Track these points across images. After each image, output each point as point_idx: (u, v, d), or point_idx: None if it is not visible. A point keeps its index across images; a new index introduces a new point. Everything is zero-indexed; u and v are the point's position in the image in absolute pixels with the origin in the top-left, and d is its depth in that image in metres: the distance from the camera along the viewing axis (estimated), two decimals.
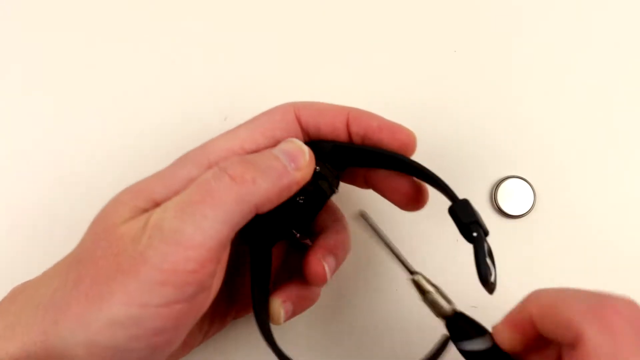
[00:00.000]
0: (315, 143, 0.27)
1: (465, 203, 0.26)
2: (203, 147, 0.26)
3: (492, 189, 0.36)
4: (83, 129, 0.37)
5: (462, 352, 0.22)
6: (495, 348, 0.22)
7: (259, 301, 0.27)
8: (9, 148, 0.37)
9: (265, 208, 0.24)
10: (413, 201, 0.30)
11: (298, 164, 0.25)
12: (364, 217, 0.26)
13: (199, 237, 0.22)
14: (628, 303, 0.21)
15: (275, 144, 0.26)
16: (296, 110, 0.27)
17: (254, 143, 0.26)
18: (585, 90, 0.37)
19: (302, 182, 0.25)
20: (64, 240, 0.35)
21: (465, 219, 0.26)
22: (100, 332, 0.22)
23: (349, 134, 0.27)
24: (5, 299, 0.26)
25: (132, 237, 0.23)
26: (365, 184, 0.30)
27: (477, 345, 0.22)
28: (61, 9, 0.39)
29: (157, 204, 0.24)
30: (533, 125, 0.37)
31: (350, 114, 0.27)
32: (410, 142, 0.28)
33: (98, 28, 0.39)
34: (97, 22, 0.39)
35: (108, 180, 0.36)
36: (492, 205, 0.36)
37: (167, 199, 0.24)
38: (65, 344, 0.22)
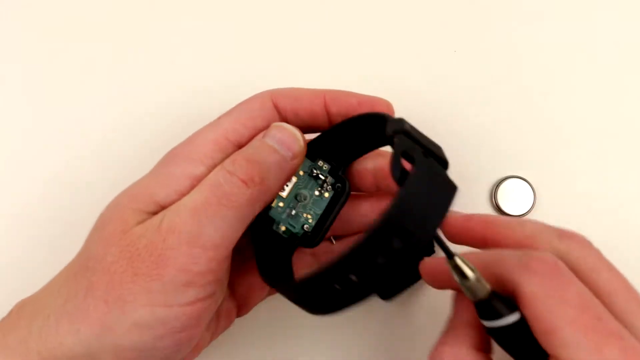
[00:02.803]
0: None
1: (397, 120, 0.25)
2: (190, 142, 0.27)
3: (492, 189, 0.36)
4: (81, 128, 0.37)
5: (493, 329, 0.22)
6: (523, 319, 0.21)
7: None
8: (7, 148, 0.37)
9: (271, 199, 0.26)
10: None
11: (294, 151, 0.26)
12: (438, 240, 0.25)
13: (218, 238, 0.23)
14: (546, 256, 0.22)
15: (256, 132, 0.27)
16: (273, 98, 0.28)
17: (237, 133, 0.27)
18: (585, 90, 0.37)
19: (297, 168, 0.27)
20: (61, 239, 0.35)
21: (390, 130, 0.24)
22: (127, 335, 0.22)
23: (329, 115, 0.28)
24: (10, 314, 0.25)
25: (146, 240, 0.23)
26: (375, 182, 0.30)
27: (508, 319, 0.22)
28: (60, 10, 0.39)
29: (161, 206, 0.25)
30: (533, 125, 0.37)
31: (326, 95, 0.28)
32: (390, 111, 0.29)
33: (96, 28, 0.39)
34: (96, 21, 0.39)
35: (107, 180, 0.36)
36: (492, 205, 0.36)
37: (170, 200, 0.25)
38: (90, 350, 0.23)
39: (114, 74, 0.38)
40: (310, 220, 0.28)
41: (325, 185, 0.28)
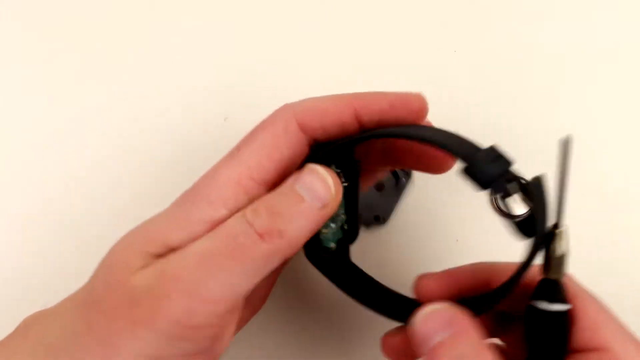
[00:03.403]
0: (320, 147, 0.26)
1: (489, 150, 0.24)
2: (211, 180, 0.24)
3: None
4: (82, 131, 0.37)
5: (543, 312, 0.23)
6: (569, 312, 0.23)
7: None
8: (8, 149, 0.37)
9: (295, 251, 0.23)
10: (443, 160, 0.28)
11: (324, 200, 0.23)
12: (565, 145, 0.23)
13: (219, 292, 0.22)
14: None
15: (283, 164, 0.24)
16: (298, 118, 0.25)
17: (263, 170, 0.24)
18: (585, 89, 0.38)
19: (329, 217, 0.24)
20: (67, 242, 0.35)
21: (485, 175, 0.23)
22: None
23: (360, 124, 0.26)
24: (18, 330, 0.25)
25: (146, 287, 0.22)
26: (384, 161, 0.29)
27: (562, 307, 0.22)
28: (61, 10, 0.39)
29: (171, 249, 0.23)
30: (533, 125, 0.37)
31: (355, 103, 0.25)
32: (424, 106, 0.26)
33: (97, 28, 0.39)
34: (97, 22, 0.39)
35: (109, 182, 0.36)
36: (492, 205, 0.36)
37: (183, 244, 0.23)
38: None
39: (114, 75, 0.38)
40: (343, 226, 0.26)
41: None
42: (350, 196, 0.26)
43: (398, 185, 0.36)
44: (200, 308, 0.21)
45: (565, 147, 0.22)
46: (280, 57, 0.38)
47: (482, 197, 0.36)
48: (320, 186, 0.23)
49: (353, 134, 0.25)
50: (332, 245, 0.26)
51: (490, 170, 0.23)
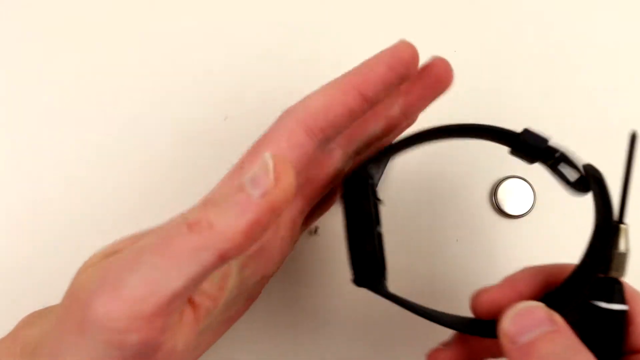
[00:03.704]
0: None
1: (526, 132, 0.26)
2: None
3: (492, 189, 0.36)
4: (82, 130, 0.37)
5: (603, 311, 0.22)
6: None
7: None
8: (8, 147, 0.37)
9: (239, 251, 0.20)
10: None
11: (263, 188, 0.20)
12: (632, 140, 0.24)
13: (142, 290, 0.19)
14: None
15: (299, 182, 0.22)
16: (303, 125, 0.23)
17: None
18: (585, 90, 0.37)
19: (278, 208, 0.20)
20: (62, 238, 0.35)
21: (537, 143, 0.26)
22: None
23: (367, 102, 0.24)
24: (13, 330, 0.25)
25: (80, 287, 0.20)
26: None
27: (621, 307, 0.22)
28: (61, 10, 0.39)
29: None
30: (533, 125, 0.37)
31: (356, 84, 0.24)
32: (414, 52, 0.25)
33: (97, 27, 0.39)
34: (97, 21, 0.39)
35: (108, 181, 0.36)
36: (492, 205, 0.36)
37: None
38: None
39: (114, 75, 0.38)
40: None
41: None
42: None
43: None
44: (121, 309, 0.19)
45: (632, 142, 0.23)
46: (279, 55, 0.38)
47: (482, 198, 0.36)
48: (259, 173, 0.20)
49: (364, 113, 0.25)
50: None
51: (537, 143, 0.26)
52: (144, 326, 0.19)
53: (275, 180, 0.20)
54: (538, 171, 0.37)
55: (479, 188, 0.36)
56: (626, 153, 0.22)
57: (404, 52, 0.25)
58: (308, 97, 0.24)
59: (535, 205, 0.36)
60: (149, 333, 0.20)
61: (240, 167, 0.23)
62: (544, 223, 0.36)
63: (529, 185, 0.36)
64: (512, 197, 0.36)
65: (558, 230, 0.36)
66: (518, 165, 0.37)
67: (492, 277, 0.35)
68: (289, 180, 0.20)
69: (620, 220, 0.22)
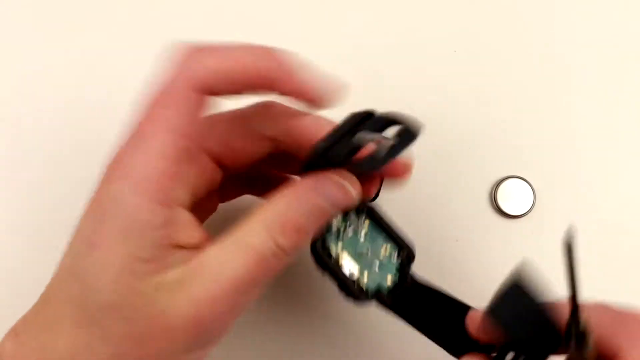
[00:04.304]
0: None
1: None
2: (139, 181, 0.22)
3: (492, 189, 0.36)
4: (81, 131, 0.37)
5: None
6: None
7: None
8: None
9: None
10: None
11: (343, 207, 0.24)
12: (569, 247, 0.24)
13: (245, 304, 0.23)
14: None
15: (195, 143, 0.23)
16: (193, 85, 0.22)
17: (178, 150, 0.22)
18: (584, 90, 0.37)
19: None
20: None
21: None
22: None
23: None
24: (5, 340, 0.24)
25: (179, 312, 0.22)
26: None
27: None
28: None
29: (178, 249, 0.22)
30: (533, 125, 0.37)
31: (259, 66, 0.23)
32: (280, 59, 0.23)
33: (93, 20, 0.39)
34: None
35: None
36: (492, 205, 0.36)
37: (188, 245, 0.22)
38: None
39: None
40: (393, 254, 0.26)
41: (357, 221, 0.26)
42: (384, 227, 0.26)
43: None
44: (234, 319, 0.23)
45: (569, 250, 0.23)
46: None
47: (482, 198, 0.36)
48: (342, 195, 0.23)
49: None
50: (388, 283, 0.26)
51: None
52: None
53: (355, 199, 0.24)
54: (538, 171, 0.37)
55: (479, 188, 0.36)
56: (565, 261, 0.22)
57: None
58: (210, 52, 0.23)
59: (535, 205, 0.36)
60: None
61: (142, 134, 0.22)
62: (544, 223, 0.36)
63: (529, 185, 0.36)
64: (512, 197, 0.36)
65: (558, 230, 0.36)
66: (518, 165, 0.38)
67: (492, 277, 0.35)
68: (359, 196, 0.24)
69: (576, 320, 0.22)
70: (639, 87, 0.38)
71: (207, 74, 0.22)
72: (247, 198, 0.30)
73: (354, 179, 0.24)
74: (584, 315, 0.21)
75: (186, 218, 0.22)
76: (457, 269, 0.35)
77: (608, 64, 0.38)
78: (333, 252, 0.25)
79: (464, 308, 0.26)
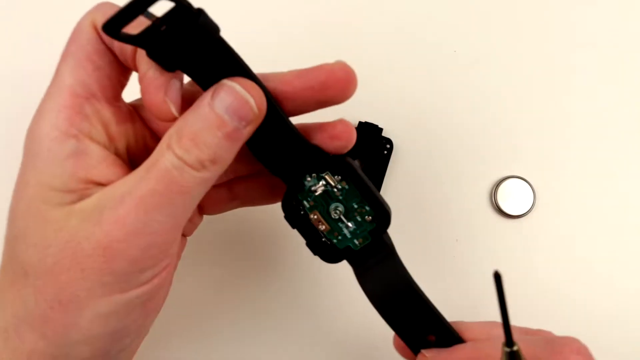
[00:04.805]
0: None
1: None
2: (39, 120, 0.23)
3: (492, 189, 0.36)
4: None
5: None
6: None
7: None
8: None
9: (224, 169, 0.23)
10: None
11: (248, 119, 0.23)
12: (497, 278, 0.24)
13: (169, 225, 0.22)
14: (573, 341, 0.24)
15: (104, 77, 0.24)
16: (94, 23, 0.23)
17: (85, 85, 0.23)
18: (584, 90, 0.37)
19: (253, 132, 0.23)
20: None
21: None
22: (92, 326, 0.22)
23: None
24: None
25: (86, 233, 0.22)
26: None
27: None
28: None
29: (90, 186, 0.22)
30: (533, 125, 0.37)
31: None
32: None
33: None
34: None
35: None
36: (492, 205, 0.36)
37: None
38: (63, 351, 0.22)
39: None
40: (367, 218, 0.26)
41: (334, 180, 0.25)
42: (361, 190, 0.25)
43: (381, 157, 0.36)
44: (152, 243, 0.22)
45: (497, 281, 0.23)
46: (278, 54, 0.38)
47: (482, 198, 0.36)
48: (242, 104, 0.22)
49: None
50: (357, 242, 0.26)
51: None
52: (171, 248, 0.23)
53: (258, 110, 0.23)
54: (538, 171, 0.37)
55: (479, 188, 0.36)
56: (496, 291, 0.23)
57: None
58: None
59: (535, 205, 0.36)
60: (175, 248, 0.24)
61: (58, 74, 0.24)
62: (544, 223, 0.36)
63: (529, 185, 0.36)
64: (512, 197, 0.36)
65: (558, 230, 0.36)
66: (518, 165, 0.38)
67: (492, 277, 0.35)
68: (264, 104, 0.23)
69: (511, 344, 0.22)
70: (639, 87, 0.38)
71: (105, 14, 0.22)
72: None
73: (254, 86, 0.23)
74: (517, 346, 0.21)
75: (99, 153, 0.23)
76: (457, 269, 0.35)
77: (608, 65, 0.38)
78: (305, 209, 0.25)
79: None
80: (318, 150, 0.25)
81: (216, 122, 0.22)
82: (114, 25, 0.20)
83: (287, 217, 0.25)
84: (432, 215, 0.36)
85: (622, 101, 0.37)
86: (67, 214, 0.22)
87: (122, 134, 0.25)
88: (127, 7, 0.20)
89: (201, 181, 0.22)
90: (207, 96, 0.22)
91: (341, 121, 0.25)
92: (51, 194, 0.22)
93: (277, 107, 0.24)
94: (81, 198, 0.22)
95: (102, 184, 0.23)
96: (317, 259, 0.26)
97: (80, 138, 0.23)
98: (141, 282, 0.23)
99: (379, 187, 0.35)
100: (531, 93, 0.38)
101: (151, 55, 0.22)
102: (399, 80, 0.38)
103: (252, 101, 0.22)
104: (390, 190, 0.36)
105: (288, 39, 0.39)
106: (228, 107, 0.22)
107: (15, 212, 0.23)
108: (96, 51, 0.23)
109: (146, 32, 0.21)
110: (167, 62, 0.22)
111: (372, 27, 0.39)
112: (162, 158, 0.22)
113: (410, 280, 0.27)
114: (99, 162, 0.23)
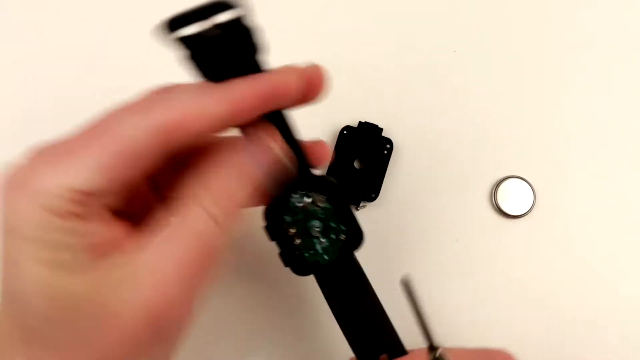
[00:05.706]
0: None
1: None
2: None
3: (492, 189, 0.36)
4: None
5: None
6: None
7: None
8: None
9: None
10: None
11: (273, 166, 0.23)
12: (406, 285, 0.25)
13: (196, 292, 0.21)
14: (502, 353, 0.26)
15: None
16: (163, 135, 0.20)
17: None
18: (584, 90, 0.38)
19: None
20: None
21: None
22: None
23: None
24: None
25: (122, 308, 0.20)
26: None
27: None
28: None
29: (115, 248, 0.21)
30: (533, 125, 0.37)
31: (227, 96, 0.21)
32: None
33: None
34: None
35: None
36: (492, 205, 0.36)
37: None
38: None
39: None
40: (341, 237, 0.27)
41: (316, 199, 0.26)
42: (342, 210, 0.26)
43: (381, 157, 0.36)
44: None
45: (407, 288, 0.23)
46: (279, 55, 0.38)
47: (482, 198, 0.36)
48: (268, 159, 0.23)
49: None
50: (326, 257, 0.27)
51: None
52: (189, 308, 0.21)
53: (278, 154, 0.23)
54: (538, 171, 0.37)
55: (479, 188, 0.36)
56: (407, 298, 0.23)
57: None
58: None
59: (535, 205, 0.36)
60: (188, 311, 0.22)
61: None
62: (544, 223, 0.36)
63: (529, 185, 0.36)
64: (512, 197, 0.36)
65: (558, 230, 0.36)
66: (518, 165, 0.38)
67: (492, 277, 0.35)
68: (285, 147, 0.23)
69: (433, 346, 0.23)
70: (639, 87, 0.38)
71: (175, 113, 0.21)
72: None
73: (275, 132, 0.23)
74: (441, 350, 0.22)
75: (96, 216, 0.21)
76: (457, 269, 0.35)
77: (608, 65, 0.38)
78: (285, 223, 0.26)
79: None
80: (305, 170, 0.25)
81: (249, 179, 0.22)
82: (176, 24, 0.21)
83: (267, 228, 0.26)
84: (432, 215, 0.36)
85: (622, 101, 0.37)
86: (92, 286, 0.20)
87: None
88: (195, 11, 0.21)
89: (228, 240, 0.22)
90: (244, 154, 0.22)
91: (320, 143, 0.26)
92: (59, 270, 0.20)
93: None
94: (96, 268, 0.20)
95: (105, 245, 0.21)
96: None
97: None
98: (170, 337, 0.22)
99: (379, 187, 0.35)
100: (531, 93, 0.38)
101: (195, 57, 0.22)
102: (399, 80, 0.38)
103: (277, 147, 0.23)
104: (390, 190, 0.36)
105: (288, 39, 0.39)
106: (262, 164, 0.22)
107: (25, 291, 0.20)
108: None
109: (201, 33, 0.21)
110: (207, 64, 0.22)
111: (372, 27, 0.39)
112: (197, 222, 0.21)
113: (373, 298, 0.27)
114: (99, 224, 0.21)
